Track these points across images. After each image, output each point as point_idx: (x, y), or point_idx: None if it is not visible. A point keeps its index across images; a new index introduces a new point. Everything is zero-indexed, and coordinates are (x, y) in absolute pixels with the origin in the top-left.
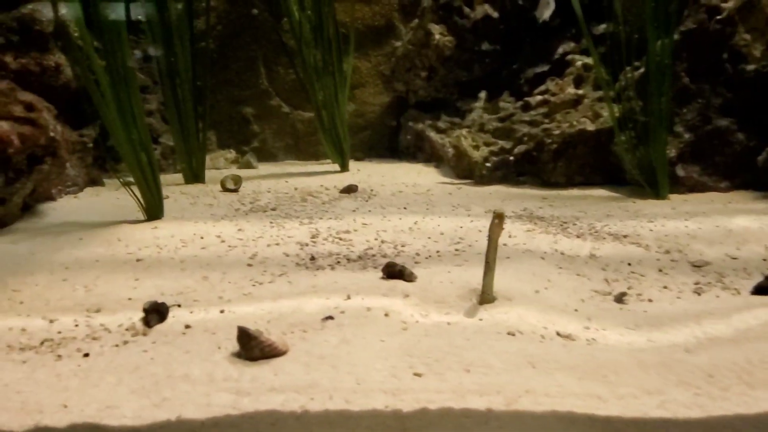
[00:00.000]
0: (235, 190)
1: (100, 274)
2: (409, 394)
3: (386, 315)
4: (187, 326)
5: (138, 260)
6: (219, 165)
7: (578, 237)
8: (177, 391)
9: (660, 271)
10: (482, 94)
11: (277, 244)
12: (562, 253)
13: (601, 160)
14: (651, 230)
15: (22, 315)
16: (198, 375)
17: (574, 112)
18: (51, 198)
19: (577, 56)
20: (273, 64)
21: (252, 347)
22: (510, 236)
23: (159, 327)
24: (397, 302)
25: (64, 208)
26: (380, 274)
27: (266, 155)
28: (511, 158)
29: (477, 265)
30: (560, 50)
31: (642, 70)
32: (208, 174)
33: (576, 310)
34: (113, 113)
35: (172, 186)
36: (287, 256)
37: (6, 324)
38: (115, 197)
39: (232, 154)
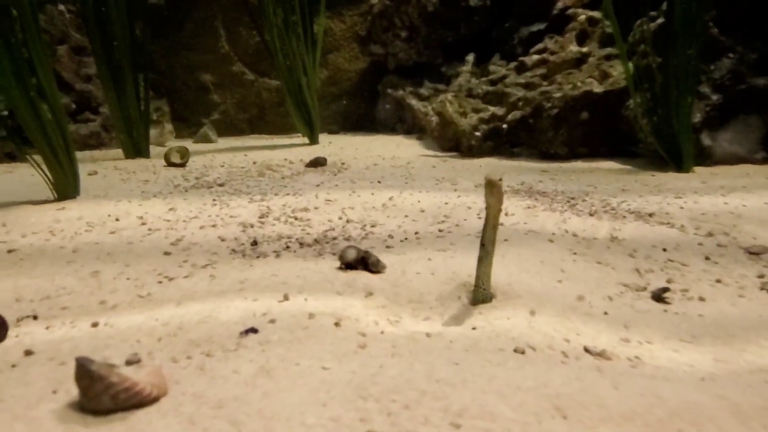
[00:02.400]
0: (182, 165)
1: None
2: None
3: (337, 324)
4: (28, 352)
5: (10, 251)
6: (169, 139)
7: (591, 215)
8: None
9: (707, 259)
10: (470, 57)
11: (214, 226)
12: (575, 235)
13: (610, 128)
14: (681, 207)
15: None
16: None
17: (577, 72)
18: None
19: (580, 10)
20: (234, 24)
21: (97, 393)
22: (507, 214)
23: None
24: (356, 303)
25: None
26: (338, 262)
27: (228, 128)
28: (504, 126)
29: (466, 250)
30: (559, 5)
31: (660, 20)
32: (156, 149)
33: (606, 313)
34: (9, 76)
35: (108, 161)
36: (222, 240)
37: None
38: (30, 174)
39: (173, 141)
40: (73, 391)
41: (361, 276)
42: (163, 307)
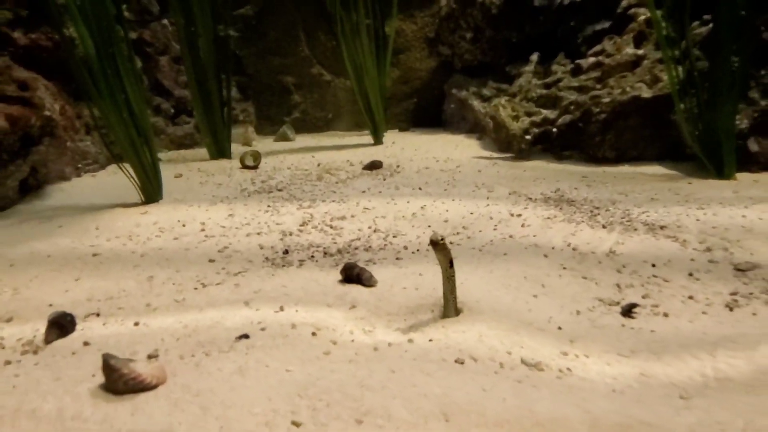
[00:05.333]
0: (255, 167)
1: (41, 273)
2: None
3: (314, 334)
4: (86, 343)
5: (94, 255)
6: (253, 138)
7: (604, 227)
8: (15, 430)
9: (690, 275)
10: (534, 57)
11: (259, 234)
12: (575, 249)
13: (659, 132)
14: (698, 220)
15: None
16: (47, 411)
17: (630, 75)
18: (64, 177)
19: (641, 10)
20: (313, 30)
21: (115, 380)
22: (523, 225)
23: (57, 343)
24: (338, 315)
25: (74, 188)
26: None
27: (307, 126)
28: (554, 130)
29: (462, 264)
30: (623, 3)
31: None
32: (239, 148)
33: (559, 328)
34: (103, 92)
35: (196, 162)
36: (261, 248)
37: None
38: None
39: (258, 140)
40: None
41: (354, 289)
42: (188, 312)
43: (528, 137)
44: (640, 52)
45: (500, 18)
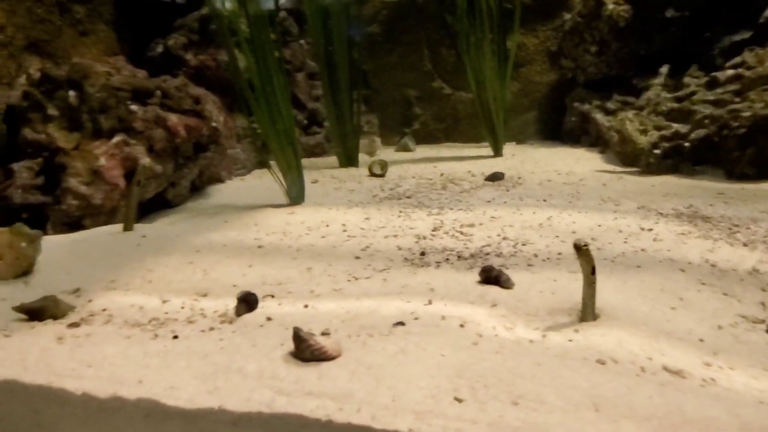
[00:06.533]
0: (381, 175)
1: (221, 259)
2: (440, 419)
3: (461, 326)
4: (269, 318)
5: (259, 246)
6: (377, 148)
7: (745, 245)
8: (228, 383)
9: None
10: (663, 69)
11: (395, 236)
12: (714, 265)
13: None
14: None
15: (146, 294)
16: (251, 370)
17: None
18: (220, 180)
19: None
20: (436, 45)
21: (303, 349)
22: (655, 240)
23: (245, 317)
24: (481, 312)
25: (228, 189)
26: (479, 277)
27: (427, 137)
28: (686, 144)
29: (597, 272)
30: (767, 13)
31: None
32: (364, 157)
33: (701, 340)
34: (262, 106)
35: (327, 169)
36: (399, 249)
37: (131, 300)
38: (272, 180)
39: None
40: (290, 347)
41: (492, 290)
42: (347, 300)
43: (656, 151)
44: None
45: (628, 30)
